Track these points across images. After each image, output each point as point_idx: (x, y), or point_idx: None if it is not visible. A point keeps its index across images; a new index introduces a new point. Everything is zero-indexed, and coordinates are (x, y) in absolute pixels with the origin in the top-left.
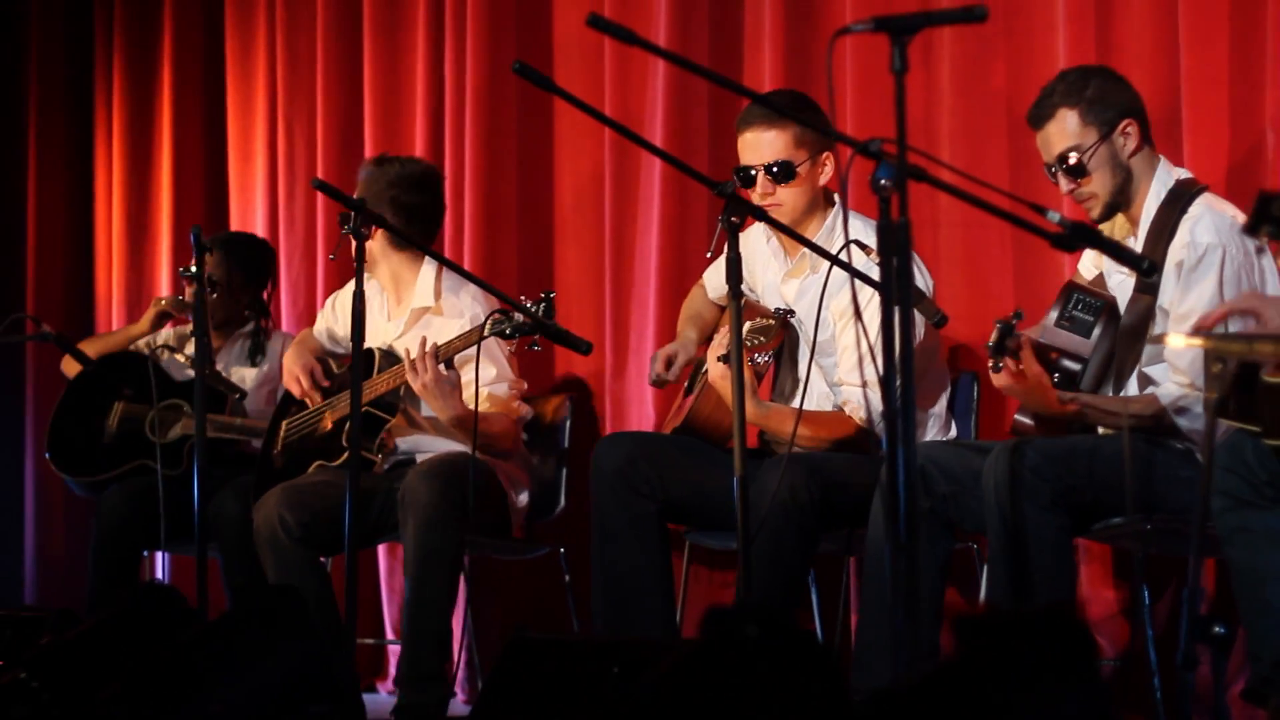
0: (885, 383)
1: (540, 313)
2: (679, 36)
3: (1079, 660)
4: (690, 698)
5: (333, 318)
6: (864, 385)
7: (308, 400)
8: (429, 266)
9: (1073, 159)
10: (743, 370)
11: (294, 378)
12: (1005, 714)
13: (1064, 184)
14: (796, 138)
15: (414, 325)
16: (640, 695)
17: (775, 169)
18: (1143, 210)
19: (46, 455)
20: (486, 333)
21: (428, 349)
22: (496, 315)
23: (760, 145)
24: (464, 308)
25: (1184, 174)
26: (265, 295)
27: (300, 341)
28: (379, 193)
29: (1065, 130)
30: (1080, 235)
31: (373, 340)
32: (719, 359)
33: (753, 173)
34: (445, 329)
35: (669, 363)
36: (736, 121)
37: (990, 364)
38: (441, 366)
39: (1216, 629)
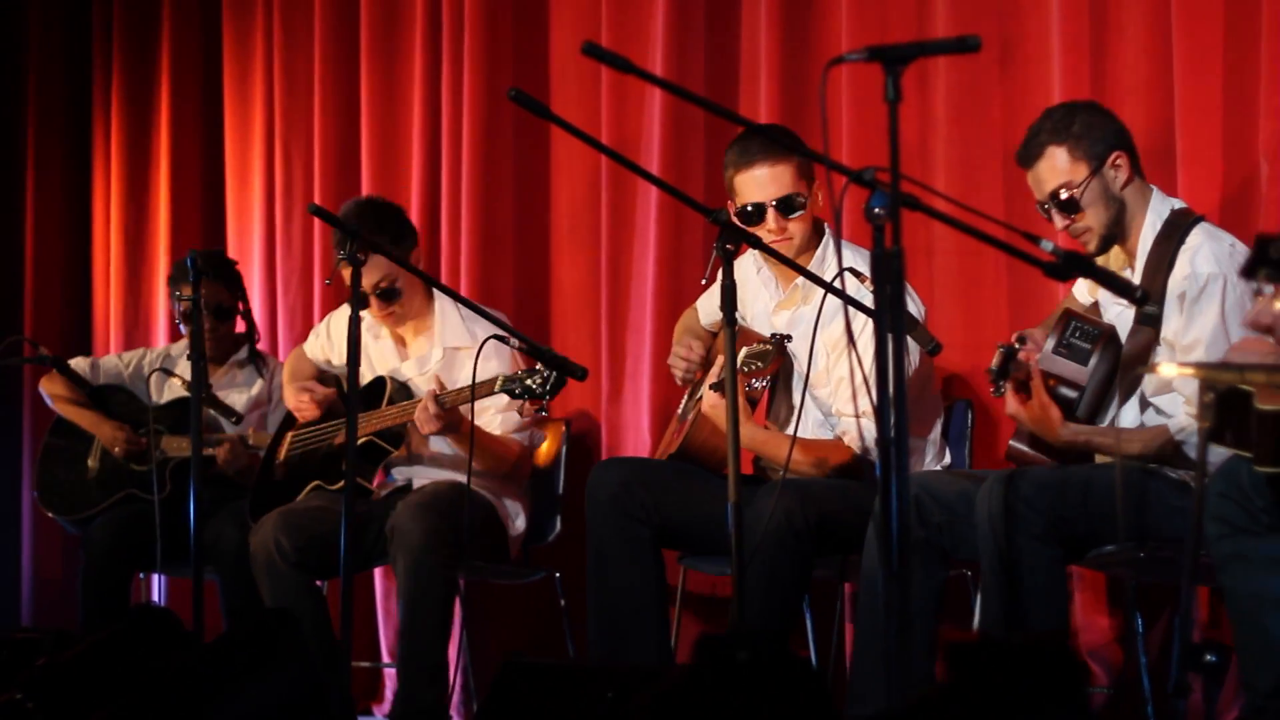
0: (879, 411)
1: (551, 381)
2: (675, 65)
3: (1069, 689)
4: None
5: (328, 345)
6: (859, 415)
7: (304, 416)
8: (444, 301)
9: (1064, 195)
10: (737, 396)
11: (297, 402)
12: None
13: (1059, 221)
14: (799, 170)
15: (447, 364)
16: None
17: (784, 203)
18: (1139, 242)
19: (35, 494)
20: (497, 389)
21: (429, 400)
22: (516, 369)
23: (767, 181)
24: (487, 354)
25: (1178, 204)
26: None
27: (293, 375)
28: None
29: (1055, 168)
30: (1074, 264)
31: (378, 369)
32: (712, 387)
33: (755, 208)
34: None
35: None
36: (734, 157)
37: (992, 389)
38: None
39: (1208, 657)
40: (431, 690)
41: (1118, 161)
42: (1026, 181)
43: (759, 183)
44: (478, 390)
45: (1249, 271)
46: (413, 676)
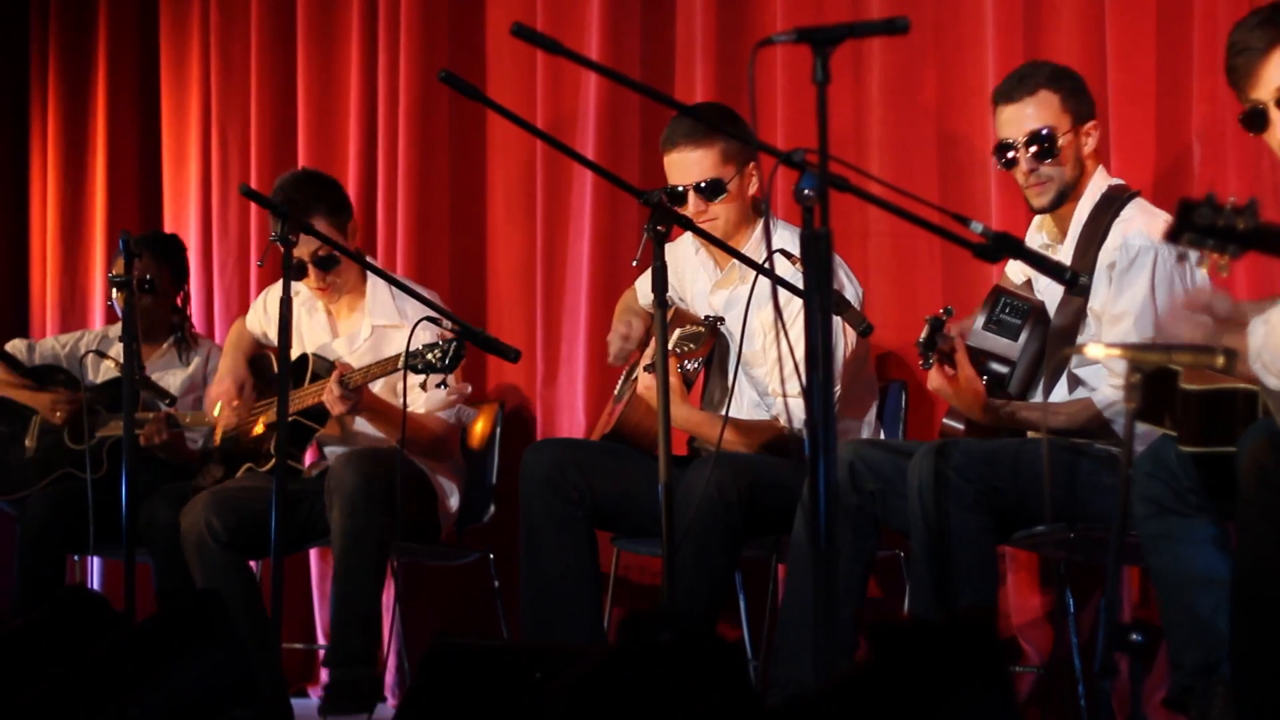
0: (808, 390)
1: (450, 353)
2: (611, 46)
3: (988, 667)
4: (603, 702)
5: (265, 319)
6: (786, 395)
7: (228, 411)
8: (376, 279)
9: (1046, 134)
10: (668, 377)
11: (221, 393)
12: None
13: (1025, 163)
14: (723, 153)
15: (375, 342)
16: (553, 700)
17: (705, 187)
18: (1075, 212)
19: None
20: (401, 365)
21: (333, 381)
22: (419, 347)
23: (688, 164)
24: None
25: (1117, 181)
26: (183, 299)
27: (234, 346)
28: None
29: (1046, 109)
30: (1003, 245)
31: (308, 345)
32: (646, 368)
33: (681, 190)
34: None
35: (626, 336)
36: (661, 140)
37: (921, 361)
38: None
39: (1134, 637)
40: (364, 638)
41: (1091, 130)
42: (960, 160)
43: (680, 166)
44: (383, 367)
45: (1173, 236)
46: (346, 623)
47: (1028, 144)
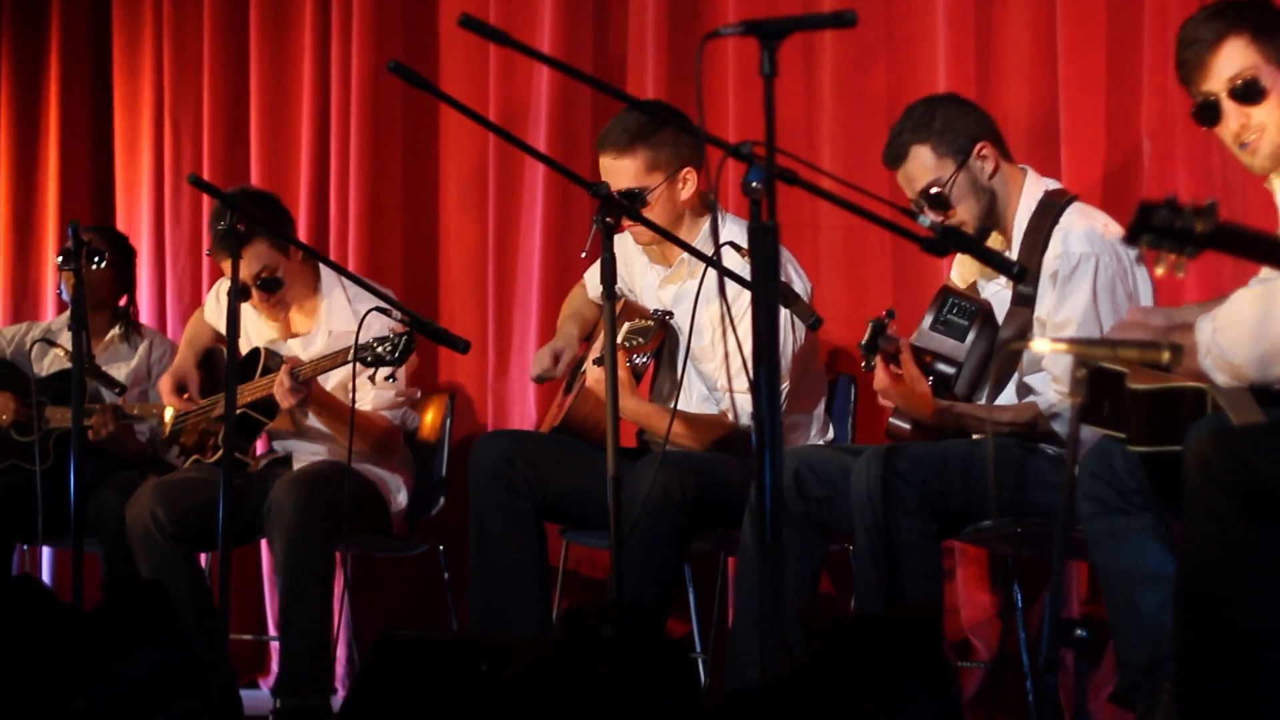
0: (754, 384)
1: (400, 346)
2: (564, 39)
3: (929, 663)
4: (544, 695)
5: (218, 310)
6: (732, 390)
7: (172, 407)
8: (332, 286)
9: (934, 192)
10: (617, 370)
11: (170, 387)
12: (854, 717)
13: (932, 217)
14: (648, 162)
15: (332, 346)
16: (494, 692)
17: (625, 196)
18: (1014, 225)
19: None
20: (350, 358)
21: (284, 374)
22: (370, 340)
23: (613, 172)
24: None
25: (1053, 184)
26: (127, 300)
27: (190, 342)
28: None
29: (922, 166)
30: (951, 239)
31: (257, 341)
32: (595, 361)
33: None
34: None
35: (555, 359)
36: (596, 140)
37: (863, 363)
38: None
39: (1079, 633)
40: (313, 667)
41: (983, 152)
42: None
43: (607, 171)
44: (333, 360)
45: (1132, 238)
46: (294, 653)
47: (924, 200)
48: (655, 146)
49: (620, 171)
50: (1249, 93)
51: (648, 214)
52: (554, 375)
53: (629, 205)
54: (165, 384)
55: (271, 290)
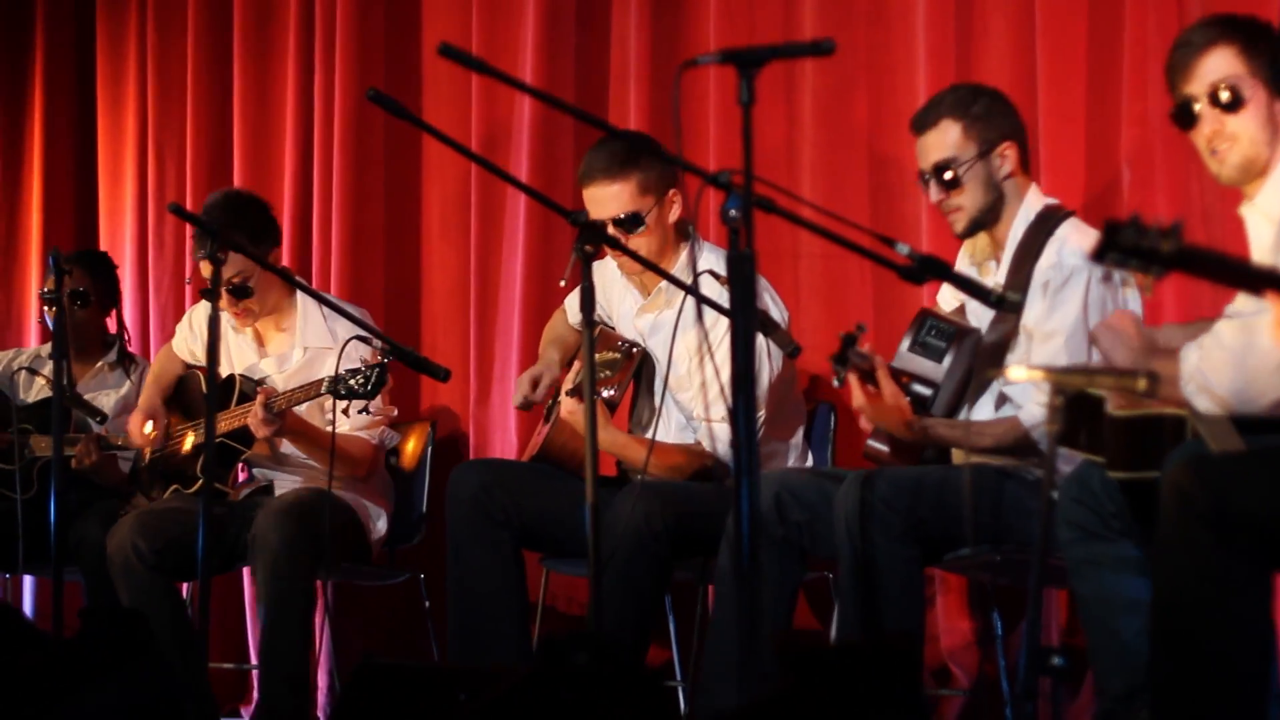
0: (733, 412)
1: (373, 379)
2: (546, 67)
3: (905, 691)
4: None
5: (192, 336)
6: (709, 420)
7: (132, 441)
8: (307, 300)
9: (947, 171)
10: (594, 400)
11: (134, 420)
12: None
13: (934, 193)
14: (640, 185)
15: (308, 364)
16: None
17: (623, 221)
18: (1009, 232)
19: None
20: (324, 390)
21: (259, 405)
22: (342, 373)
23: (605, 199)
24: (348, 355)
25: (1052, 201)
26: (116, 318)
27: (155, 379)
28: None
29: (945, 141)
30: (929, 268)
31: (235, 365)
32: (569, 393)
33: (600, 225)
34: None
35: (535, 384)
36: (580, 171)
37: (834, 377)
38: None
39: (1055, 660)
40: (293, 696)
41: (1005, 152)
42: (891, 182)
43: (597, 200)
44: (307, 391)
45: (1098, 255)
46: (274, 684)
47: (934, 175)
48: (645, 169)
49: (612, 198)
50: (1227, 100)
51: (644, 237)
52: (536, 400)
53: (609, 234)
54: (134, 423)
55: (241, 296)
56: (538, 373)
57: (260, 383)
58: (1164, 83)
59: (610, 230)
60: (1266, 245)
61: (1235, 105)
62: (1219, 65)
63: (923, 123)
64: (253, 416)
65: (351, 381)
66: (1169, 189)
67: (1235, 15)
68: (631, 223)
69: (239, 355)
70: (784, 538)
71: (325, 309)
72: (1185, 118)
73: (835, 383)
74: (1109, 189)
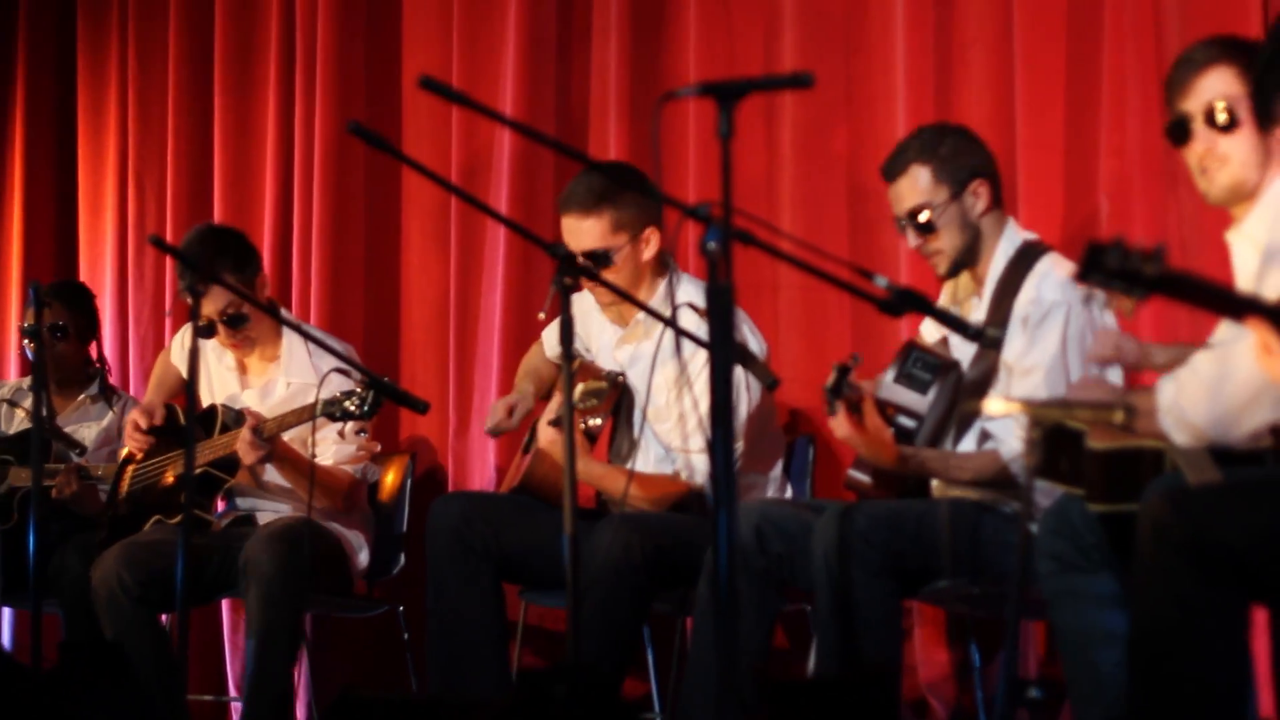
0: (711, 445)
1: (369, 401)
2: (526, 98)
3: None
4: None
5: (181, 355)
6: (688, 451)
7: (133, 447)
8: (292, 334)
9: (922, 217)
10: (574, 431)
11: (133, 421)
12: None
13: (912, 239)
14: (613, 222)
15: (291, 398)
16: None
17: (592, 256)
18: (989, 269)
19: None
20: (318, 413)
21: (248, 430)
22: (335, 392)
23: (578, 233)
24: (330, 385)
25: (1031, 235)
26: (97, 350)
27: (159, 382)
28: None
29: (916, 187)
30: (907, 301)
31: (216, 395)
32: (550, 423)
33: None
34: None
35: (510, 411)
36: (558, 200)
37: (827, 408)
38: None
39: (1033, 693)
40: (276, 718)
41: (978, 189)
42: (871, 215)
43: (571, 232)
44: (298, 416)
45: (1082, 276)
46: (258, 706)
47: (909, 221)
48: (620, 207)
49: (585, 232)
50: (1222, 121)
51: (612, 274)
52: (509, 428)
53: (588, 267)
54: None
55: (236, 326)
56: (512, 401)
57: (239, 415)
58: (1142, 114)
59: (582, 261)
60: (1251, 272)
61: (1229, 126)
62: (1217, 85)
63: (892, 170)
64: (242, 442)
65: (347, 403)
66: (1147, 220)
67: (1239, 37)
68: (601, 259)
69: (220, 385)
70: (764, 569)
71: (311, 344)
72: (1179, 134)
73: (828, 412)
74: (1087, 220)
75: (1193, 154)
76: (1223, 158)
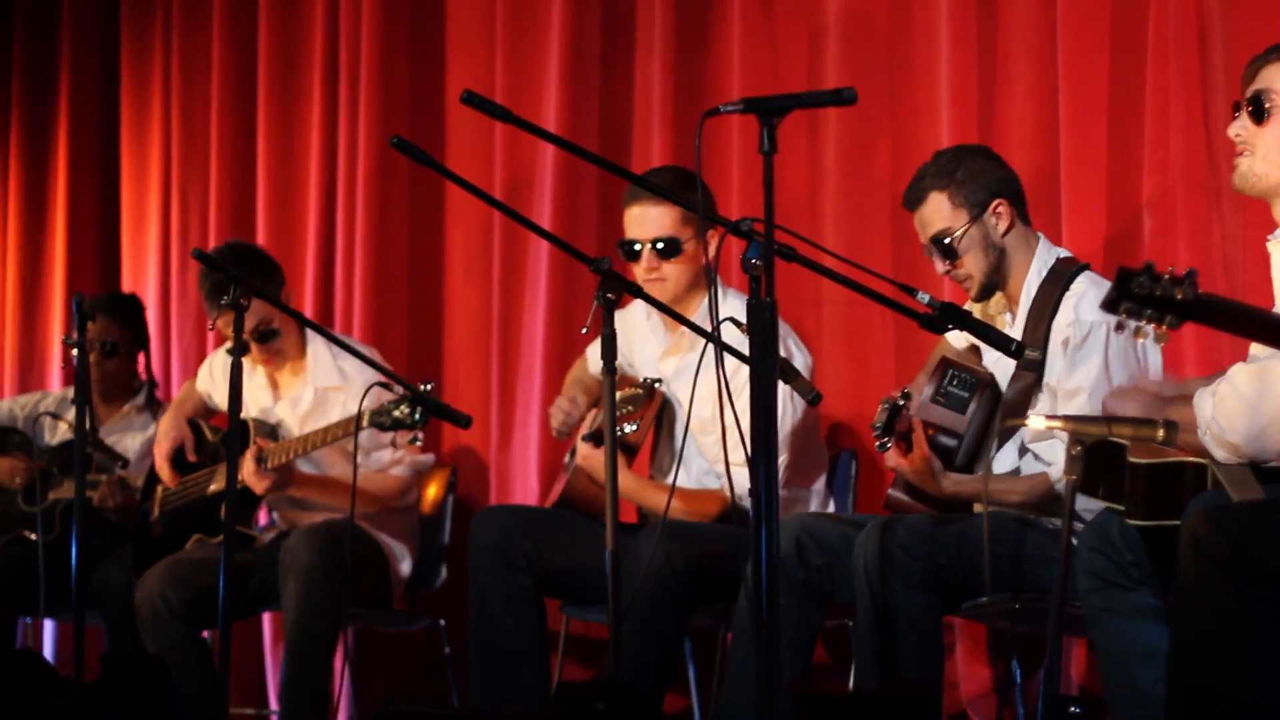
0: (752, 460)
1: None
2: (569, 113)
3: None
4: None
5: (210, 382)
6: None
7: (162, 475)
8: (315, 341)
9: (945, 241)
10: (615, 445)
11: (161, 447)
12: None
13: (939, 265)
14: (685, 214)
15: (318, 405)
16: None
17: (661, 245)
18: (1022, 288)
19: None
20: (365, 424)
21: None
22: (381, 401)
23: (648, 220)
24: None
25: (1064, 253)
26: (144, 361)
27: (179, 404)
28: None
29: (937, 213)
30: (949, 316)
31: (250, 409)
32: (584, 438)
33: (637, 247)
34: (350, 406)
35: (573, 403)
36: (626, 193)
37: (877, 444)
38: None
39: (1073, 709)
40: (313, 715)
41: (999, 209)
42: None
43: (640, 220)
44: (324, 436)
45: (1111, 305)
46: (296, 701)
47: (934, 247)
48: (682, 204)
49: (656, 219)
50: (1255, 110)
51: (678, 265)
52: (576, 420)
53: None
54: (162, 452)
55: (268, 341)
56: (571, 394)
57: (274, 429)
58: (1185, 130)
59: (645, 252)
60: None
61: (1261, 116)
62: (1273, 77)
63: (911, 199)
64: (246, 473)
65: (396, 412)
66: (1190, 236)
67: None
68: (670, 247)
69: (252, 399)
70: (804, 581)
71: (334, 346)
72: (1235, 109)
73: (878, 448)
74: (1130, 236)
75: (1231, 132)
76: (1250, 145)
